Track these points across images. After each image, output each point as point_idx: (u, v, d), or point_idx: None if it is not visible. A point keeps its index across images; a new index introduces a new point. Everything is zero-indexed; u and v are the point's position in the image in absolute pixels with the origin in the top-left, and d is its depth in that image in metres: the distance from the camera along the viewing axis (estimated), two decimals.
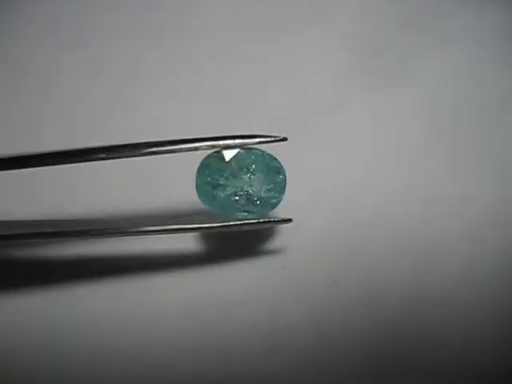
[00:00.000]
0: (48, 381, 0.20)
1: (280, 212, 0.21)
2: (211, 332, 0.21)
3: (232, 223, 0.20)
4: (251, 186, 0.20)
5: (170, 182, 0.22)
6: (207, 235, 0.22)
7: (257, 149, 0.20)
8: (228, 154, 0.20)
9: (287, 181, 0.20)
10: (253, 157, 0.20)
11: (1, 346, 0.21)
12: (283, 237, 0.22)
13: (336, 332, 0.21)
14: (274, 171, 0.20)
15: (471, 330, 0.21)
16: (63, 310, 0.21)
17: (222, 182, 0.20)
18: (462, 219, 0.22)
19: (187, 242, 0.22)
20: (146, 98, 0.24)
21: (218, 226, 0.20)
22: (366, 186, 0.23)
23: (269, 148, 0.20)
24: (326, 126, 0.24)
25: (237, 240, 0.22)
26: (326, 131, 0.23)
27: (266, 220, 0.20)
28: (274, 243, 0.22)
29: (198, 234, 0.22)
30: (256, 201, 0.20)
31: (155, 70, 0.25)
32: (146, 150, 0.19)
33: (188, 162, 0.20)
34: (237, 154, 0.20)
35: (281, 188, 0.20)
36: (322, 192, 0.22)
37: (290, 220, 0.20)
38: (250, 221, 0.20)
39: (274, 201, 0.20)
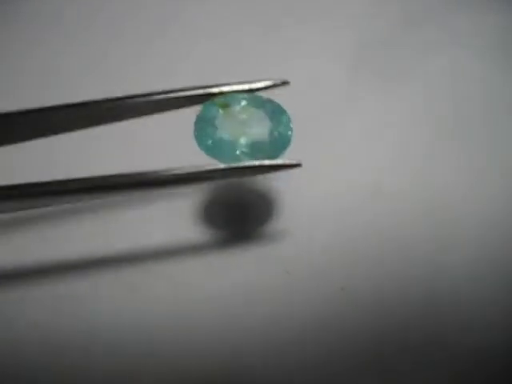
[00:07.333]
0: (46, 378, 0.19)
1: (287, 215, 0.21)
2: (212, 335, 0.19)
3: (238, 165, 0.18)
4: (255, 131, 0.19)
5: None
6: (210, 244, 0.21)
7: (259, 96, 0.19)
8: (228, 101, 0.19)
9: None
10: (254, 102, 0.19)
11: None
12: (288, 240, 0.21)
13: (342, 338, 0.19)
14: (278, 115, 0.19)
15: (482, 335, 0.20)
16: (63, 305, 0.20)
17: (224, 129, 0.19)
18: (470, 223, 0.21)
19: (189, 241, 0.21)
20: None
21: (222, 169, 0.18)
22: (374, 191, 0.22)
23: None
24: (334, 128, 0.23)
25: (240, 242, 0.21)
26: (333, 134, 0.23)
27: (273, 164, 0.19)
28: (279, 246, 0.21)
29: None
30: (262, 147, 0.19)
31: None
32: (142, 100, 0.19)
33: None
34: (237, 100, 0.19)
35: (286, 133, 0.19)
36: (330, 197, 0.22)
37: (299, 165, 0.19)
38: (256, 164, 0.19)
39: (278, 152, 0.19)
